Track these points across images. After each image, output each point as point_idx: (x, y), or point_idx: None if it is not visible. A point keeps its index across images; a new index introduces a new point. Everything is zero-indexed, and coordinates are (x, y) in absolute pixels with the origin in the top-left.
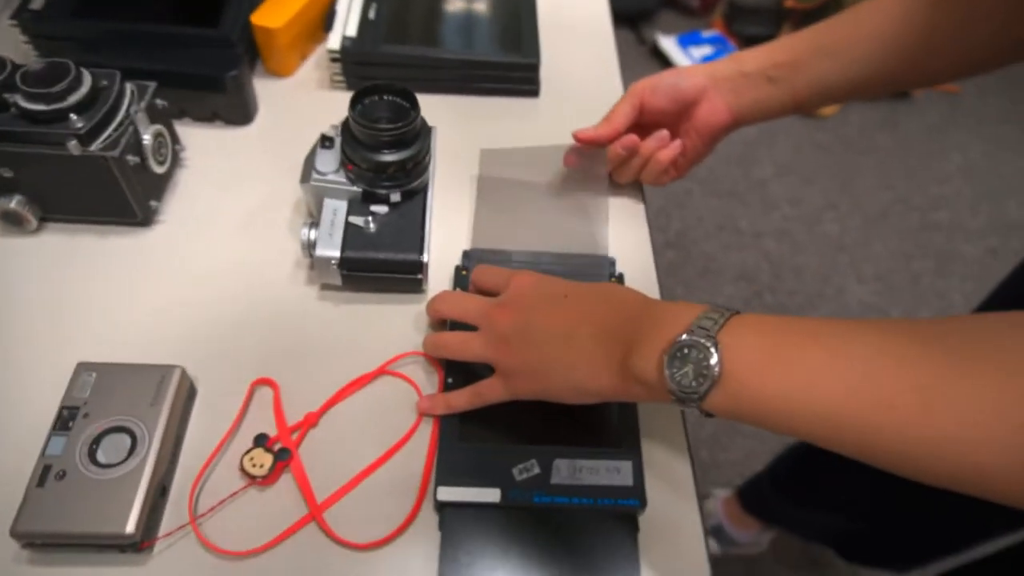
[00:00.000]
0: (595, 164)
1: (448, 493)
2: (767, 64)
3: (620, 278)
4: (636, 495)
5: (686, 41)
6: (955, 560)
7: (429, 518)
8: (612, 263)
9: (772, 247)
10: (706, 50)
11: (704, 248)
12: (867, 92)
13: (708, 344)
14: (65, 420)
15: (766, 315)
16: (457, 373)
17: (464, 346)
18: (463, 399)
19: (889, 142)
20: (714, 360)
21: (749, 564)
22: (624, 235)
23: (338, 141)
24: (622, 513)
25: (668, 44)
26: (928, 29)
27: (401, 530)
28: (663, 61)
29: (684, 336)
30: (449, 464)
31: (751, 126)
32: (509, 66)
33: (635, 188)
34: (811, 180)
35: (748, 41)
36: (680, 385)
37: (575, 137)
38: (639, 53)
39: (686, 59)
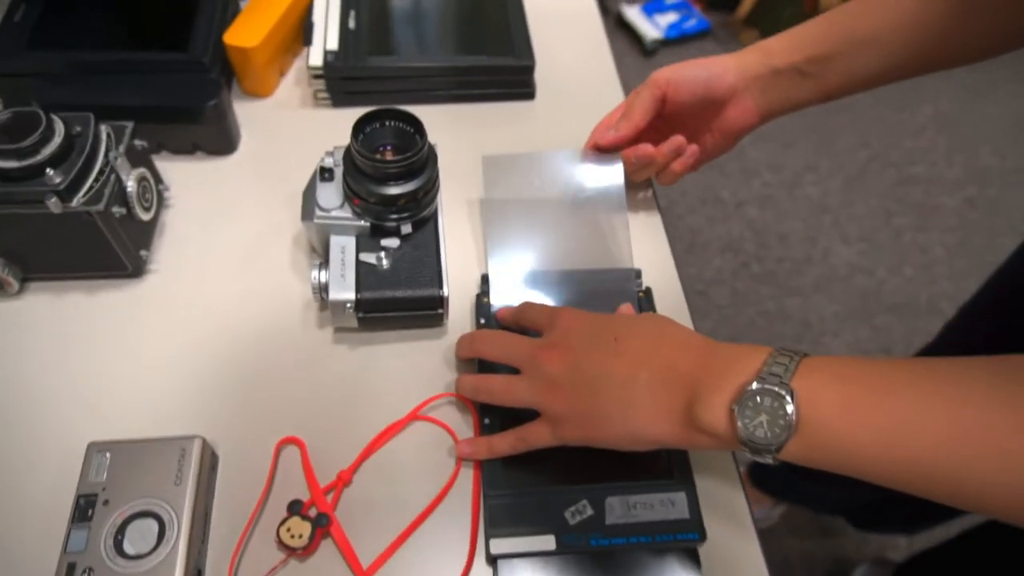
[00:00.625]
0: (611, 170)
1: (501, 545)
2: (800, 58)
3: (648, 292)
4: (694, 528)
5: (651, 9)
6: (962, 521)
7: (483, 572)
8: (638, 276)
9: (755, 215)
10: (671, 17)
11: (689, 222)
12: (892, 80)
13: (783, 392)
14: (84, 510)
15: (838, 357)
16: (494, 414)
17: (508, 390)
18: (506, 444)
19: (862, 98)
20: (790, 409)
21: (760, 538)
22: (642, 243)
23: (338, 172)
24: (681, 548)
25: (633, 13)
26: (944, 18)
27: None
28: (629, 31)
29: (755, 384)
30: (497, 513)
31: None
32: (503, 69)
33: (648, 192)
34: (789, 144)
35: (712, 5)
36: (754, 436)
37: (598, 146)
38: (604, 25)
39: (652, 27)
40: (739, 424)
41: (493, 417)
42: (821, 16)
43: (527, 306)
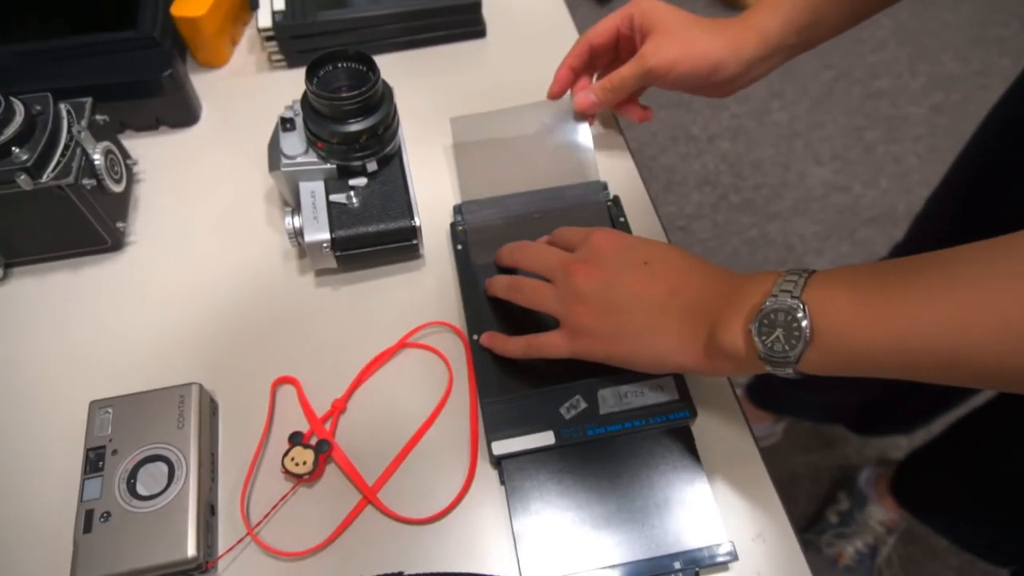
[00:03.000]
0: (565, 107)
1: (503, 446)
2: (790, 32)
3: (616, 201)
4: (685, 407)
5: None
6: (956, 411)
7: (487, 475)
8: (605, 187)
9: (728, 147)
10: None
11: (662, 162)
12: (873, 14)
13: (794, 304)
14: (94, 462)
15: (847, 266)
16: (482, 332)
17: (537, 295)
18: (518, 348)
19: None
20: (803, 320)
21: (764, 456)
22: (607, 162)
23: (299, 121)
24: (675, 427)
25: None
26: None
27: (463, 493)
28: None
29: (768, 302)
30: (496, 418)
31: None
32: (451, 9)
33: (609, 115)
34: None
35: None
36: (772, 351)
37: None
38: None
39: None
40: (756, 341)
41: (483, 334)
42: None
43: (562, 229)
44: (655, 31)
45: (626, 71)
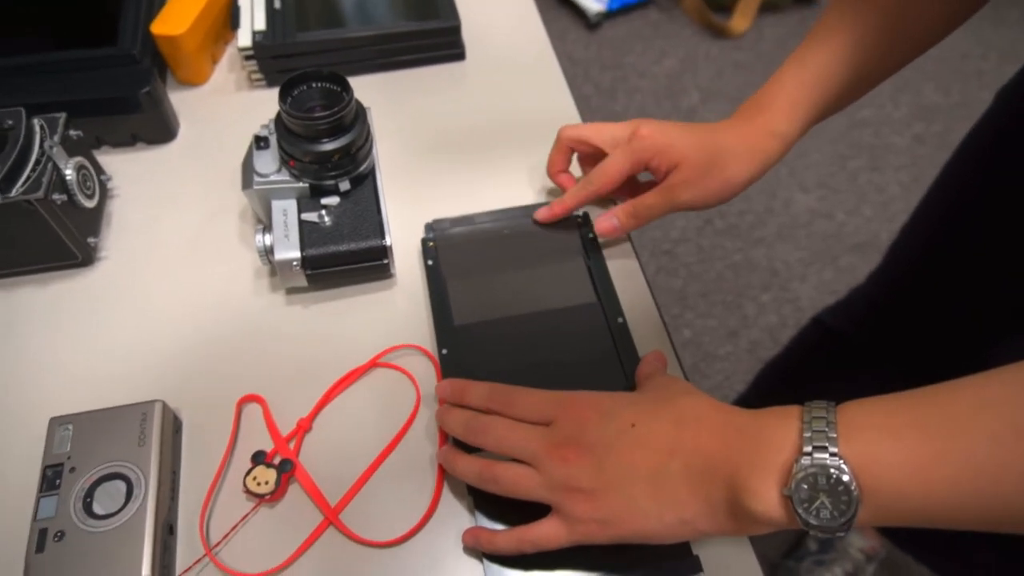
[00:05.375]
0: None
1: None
2: (807, 128)
3: (586, 218)
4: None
5: None
6: None
7: (452, 498)
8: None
9: None
10: None
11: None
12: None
13: (838, 464)
14: (51, 479)
15: (875, 402)
16: (450, 344)
17: (518, 485)
18: (511, 545)
19: None
20: (850, 482)
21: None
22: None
23: (273, 139)
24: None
25: None
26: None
27: (427, 517)
28: (571, 6)
29: (804, 460)
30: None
31: (668, 56)
32: (430, 32)
33: None
34: (738, 100)
35: None
36: (820, 520)
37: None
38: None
39: (594, 0)
40: (799, 511)
41: (451, 348)
42: (802, 68)
43: (514, 394)
44: (680, 166)
45: (653, 201)
